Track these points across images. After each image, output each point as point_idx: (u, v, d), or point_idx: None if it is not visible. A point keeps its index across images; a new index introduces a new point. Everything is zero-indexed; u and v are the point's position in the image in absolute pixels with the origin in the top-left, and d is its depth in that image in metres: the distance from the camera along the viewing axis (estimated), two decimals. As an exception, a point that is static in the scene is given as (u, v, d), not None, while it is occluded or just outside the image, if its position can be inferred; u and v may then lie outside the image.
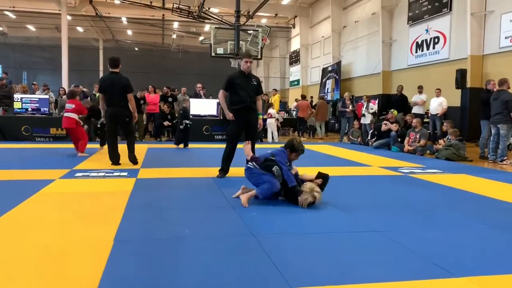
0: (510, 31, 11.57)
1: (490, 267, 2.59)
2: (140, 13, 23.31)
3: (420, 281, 2.35)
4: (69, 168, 6.33)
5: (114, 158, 6.75)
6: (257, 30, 13.45)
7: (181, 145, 10.18)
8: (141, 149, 9.52)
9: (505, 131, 8.15)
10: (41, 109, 11.86)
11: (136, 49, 32.10)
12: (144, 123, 12.93)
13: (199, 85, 13.99)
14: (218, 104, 13.02)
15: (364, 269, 2.53)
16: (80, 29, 28.01)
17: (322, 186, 4.28)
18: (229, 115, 5.70)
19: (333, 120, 19.82)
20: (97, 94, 13.22)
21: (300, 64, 25.74)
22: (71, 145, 8.85)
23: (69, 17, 22.88)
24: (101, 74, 28.32)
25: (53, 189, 4.94)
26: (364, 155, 9.12)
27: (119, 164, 6.71)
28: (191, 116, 11.20)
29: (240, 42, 13.23)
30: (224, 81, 5.76)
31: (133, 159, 6.81)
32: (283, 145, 4.41)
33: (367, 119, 12.65)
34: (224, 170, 5.91)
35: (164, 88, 13.45)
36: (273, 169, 4.16)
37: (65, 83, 19.80)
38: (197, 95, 13.71)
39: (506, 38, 11.75)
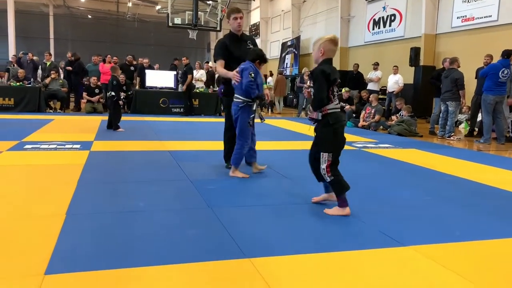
0: (462, 11, 11.95)
1: (434, 236, 2.74)
2: (93, -22, 22.16)
3: (370, 250, 2.46)
4: (17, 140, 6.06)
5: None
6: (217, 1, 13.17)
7: (120, 129, 7.80)
8: (94, 121, 9.24)
9: (453, 108, 8.52)
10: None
11: (89, 16, 30.64)
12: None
13: (145, 60, 13.71)
14: (175, 75, 12.77)
15: (316, 239, 2.61)
16: (27, -8, 26.33)
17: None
18: (235, 76, 4.17)
19: (291, 95, 19.94)
20: (48, 63, 12.74)
21: (259, 38, 25.53)
22: (20, 116, 8.47)
23: (15, -21, 21.46)
24: (52, 42, 26.91)
25: (0, 161, 4.73)
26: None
27: None
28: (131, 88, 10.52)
29: (199, 12, 12.92)
30: (217, 48, 4.52)
31: None
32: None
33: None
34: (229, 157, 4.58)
35: (128, 57, 13.02)
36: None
37: (12, 51, 18.72)
38: (143, 69, 13.39)
39: (457, 18, 12.13)
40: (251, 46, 4.56)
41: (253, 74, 4.06)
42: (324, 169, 3.15)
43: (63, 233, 2.53)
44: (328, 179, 3.15)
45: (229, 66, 4.38)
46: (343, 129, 3.26)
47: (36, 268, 2.05)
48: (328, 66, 3.11)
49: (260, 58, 4.21)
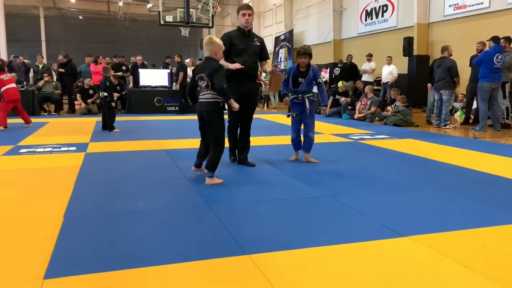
0: (454, -1, 11.95)
1: (433, 225, 2.74)
2: (83, -21, 21.98)
3: (370, 242, 2.46)
4: (12, 144, 6.03)
5: None
6: (208, -3, 13.08)
7: (115, 129, 7.77)
8: (89, 122, 9.20)
9: (447, 96, 8.52)
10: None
11: (80, 17, 30.46)
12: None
13: (138, 57, 13.71)
14: (169, 74, 12.72)
15: (315, 233, 2.61)
16: (17, -5, 26.09)
17: None
18: (235, 66, 4.23)
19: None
20: (40, 66, 12.65)
21: (252, 33, 25.45)
22: (15, 120, 8.42)
23: (4, -17, 21.24)
24: (43, 45, 26.75)
25: (-4, 166, 4.70)
26: (316, 123, 9.24)
27: None
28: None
29: (190, 9, 12.84)
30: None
31: None
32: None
33: (318, 88, 12.78)
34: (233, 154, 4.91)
35: (117, 58, 13.07)
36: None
37: (3, 54, 18.57)
38: (136, 67, 13.36)
39: (449, 6, 12.13)
40: (258, 44, 4.64)
41: (286, 76, 4.80)
42: None
43: (61, 236, 2.52)
44: None
45: (230, 59, 4.40)
46: (201, 115, 3.91)
47: (35, 272, 2.04)
48: (199, 64, 3.81)
49: (297, 52, 4.82)
